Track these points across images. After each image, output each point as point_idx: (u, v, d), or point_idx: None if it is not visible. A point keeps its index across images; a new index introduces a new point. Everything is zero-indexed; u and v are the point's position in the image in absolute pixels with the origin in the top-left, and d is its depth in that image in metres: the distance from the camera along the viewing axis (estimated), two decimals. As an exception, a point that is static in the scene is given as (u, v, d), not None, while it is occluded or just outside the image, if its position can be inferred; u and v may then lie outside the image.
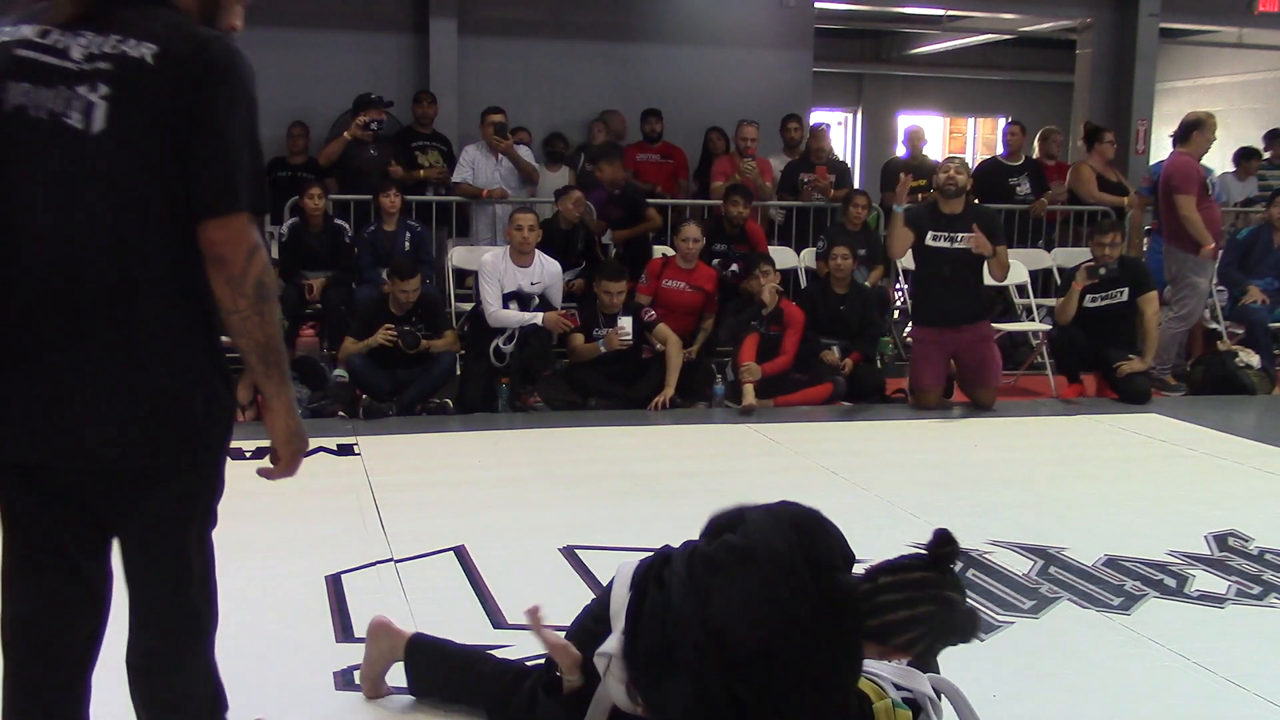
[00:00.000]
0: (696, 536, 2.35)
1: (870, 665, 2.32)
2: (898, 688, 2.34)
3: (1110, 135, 8.97)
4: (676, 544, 2.40)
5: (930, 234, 6.41)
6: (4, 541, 1.96)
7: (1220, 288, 7.96)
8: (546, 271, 6.69)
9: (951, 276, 6.41)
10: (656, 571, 2.31)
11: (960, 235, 6.39)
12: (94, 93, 1.80)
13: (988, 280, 6.66)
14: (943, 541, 2.14)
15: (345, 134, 7.87)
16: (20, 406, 1.85)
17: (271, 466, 1.99)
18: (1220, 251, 7.72)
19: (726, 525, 2.29)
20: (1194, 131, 7.42)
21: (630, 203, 7.72)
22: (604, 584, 3.31)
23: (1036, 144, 9.65)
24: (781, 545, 2.16)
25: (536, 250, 6.67)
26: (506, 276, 6.56)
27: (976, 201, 7.24)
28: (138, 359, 1.84)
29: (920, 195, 8.73)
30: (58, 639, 1.97)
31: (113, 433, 1.83)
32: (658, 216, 7.86)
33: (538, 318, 6.46)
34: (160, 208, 1.83)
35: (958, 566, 2.17)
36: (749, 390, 6.31)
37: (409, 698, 2.77)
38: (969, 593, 3.54)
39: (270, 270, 1.88)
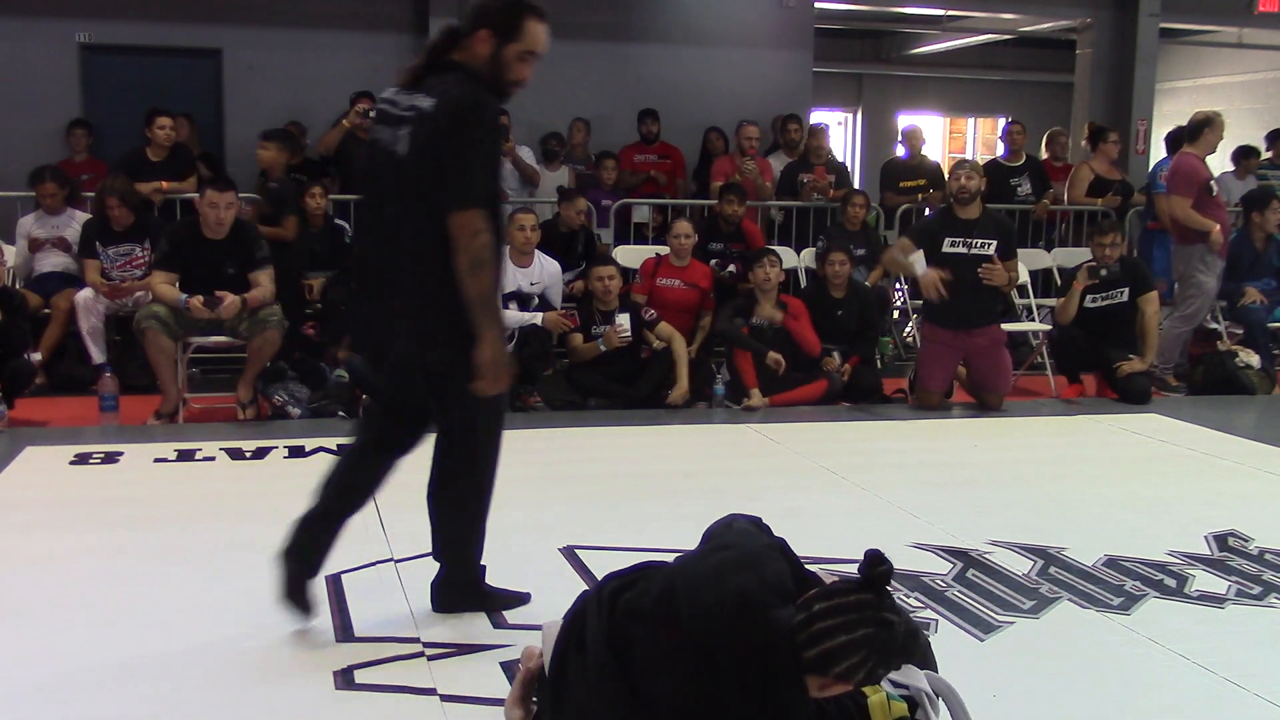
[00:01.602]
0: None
1: None
2: (894, 684, 2.31)
3: (1114, 135, 8.95)
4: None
5: (947, 240, 6.30)
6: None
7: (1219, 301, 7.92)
8: (546, 271, 6.69)
9: (968, 281, 6.29)
10: (578, 632, 2.25)
11: (978, 240, 6.31)
12: (402, 130, 2.88)
13: None
14: (875, 562, 2.05)
15: (344, 122, 7.85)
16: (375, 324, 3.08)
17: (479, 383, 2.88)
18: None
19: (645, 573, 2.24)
20: (1205, 129, 7.38)
21: (278, 201, 6.96)
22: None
23: (1044, 145, 9.65)
24: (707, 589, 2.09)
25: (536, 250, 6.66)
26: (506, 276, 6.53)
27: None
28: (426, 303, 2.90)
29: (920, 195, 8.75)
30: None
31: (404, 335, 2.99)
32: (293, 230, 6.92)
33: (537, 318, 6.45)
34: (435, 208, 2.80)
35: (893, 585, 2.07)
36: (755, 394, 6.33)
37: (410, 697, 2.78)
38: (974, 598, 3.54)
39: (487, 248, 2.81)
